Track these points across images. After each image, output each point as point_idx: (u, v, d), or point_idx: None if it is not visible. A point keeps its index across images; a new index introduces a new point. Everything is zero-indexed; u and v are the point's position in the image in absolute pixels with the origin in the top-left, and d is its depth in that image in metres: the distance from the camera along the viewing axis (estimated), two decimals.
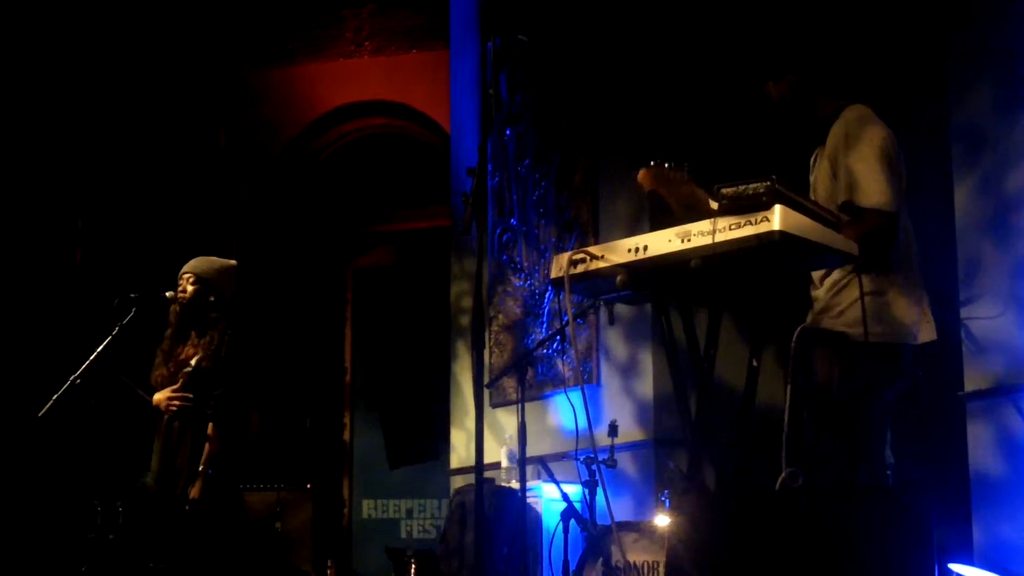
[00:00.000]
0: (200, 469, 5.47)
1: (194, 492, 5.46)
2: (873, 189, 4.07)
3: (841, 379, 4.13)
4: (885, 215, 4.07)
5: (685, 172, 4.32)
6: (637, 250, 3.80)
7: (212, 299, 5.74)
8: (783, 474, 3.73)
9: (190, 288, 5.74)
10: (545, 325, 7.20)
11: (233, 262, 5.98)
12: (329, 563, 8.29)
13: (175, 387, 5.61)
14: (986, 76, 5.35)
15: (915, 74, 6.06)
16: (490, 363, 7.52)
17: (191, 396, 5.56)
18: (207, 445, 5.52)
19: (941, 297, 4.58)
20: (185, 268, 5.82)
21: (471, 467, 7.22)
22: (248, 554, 5.90)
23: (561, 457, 6.38)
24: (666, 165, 4.31)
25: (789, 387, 3.94)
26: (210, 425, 5.54)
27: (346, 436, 10.11)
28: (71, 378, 5.62)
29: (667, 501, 5.40)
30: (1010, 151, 5.21)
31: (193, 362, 5.59)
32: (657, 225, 3.97)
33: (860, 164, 4.11)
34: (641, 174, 4.36)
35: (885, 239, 4.09)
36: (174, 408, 5.59)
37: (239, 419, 5.68)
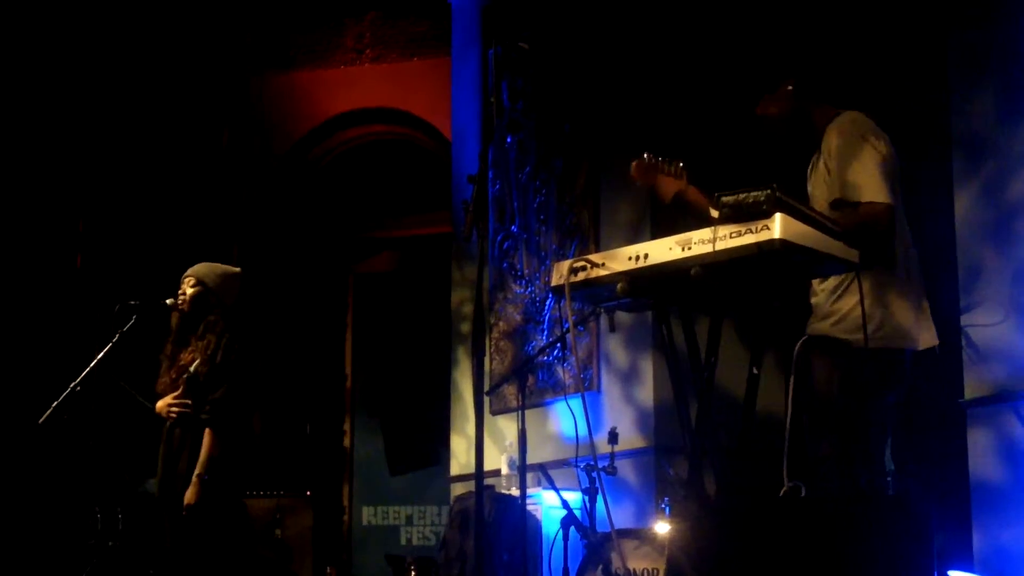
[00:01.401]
0: (196, 474, 5.46)
1: (189, 497, 5.45)
2: (867, 184, 4.07)
3: (841, 385, 4.13)
4: (880, 204, 4.06)
5: (679, 167, 4.32)
6: (638, 258, 3.80)
7: (212, 303, 5.73)
8: (784, 488, 3.73)
9: (190, 291, 5.73)
10: (546, 332, 7.20)
11: (237, 269, 5.98)
12: (329, 570, 8.29)
13: (176, 394, 5.60)
14: (987, 83, 5.36)
15: (916, 81, 6.06)
16: (490, 370, 7.52)
17: (190, 402, 5.56)
18: (203, 450, 5.50)
19: (941, 304, 4.59)
20: (188, 271, 5.83)
21: (471, 474, 7.22)
22: (247, 560, 5.89)
23: (561, 464, 6.38)
24: (659, 159, 4.32)
25: (790, 398, 3.94)
26: (207, 430, 5.53)
27: (346, 442, 10.11)
28: (71, 385, 5.63)
29: (667, 508, 5.41)
30: (1011, 158, 5.21)
31: (192, 368, 5.59)
32: (658, 232, 3.98)
33: (855, 164, 4.11)
34: (633, 166, 4.37)
35: (882, 229, 4.04)
36: (174, 415, 5.59)
37: (240, 424, 5.66)
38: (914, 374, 4.27)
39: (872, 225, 4.00)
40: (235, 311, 5.82)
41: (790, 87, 4.34)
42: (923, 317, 4.24)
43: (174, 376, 5.66)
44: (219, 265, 5.92)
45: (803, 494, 3.75)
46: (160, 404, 5.67)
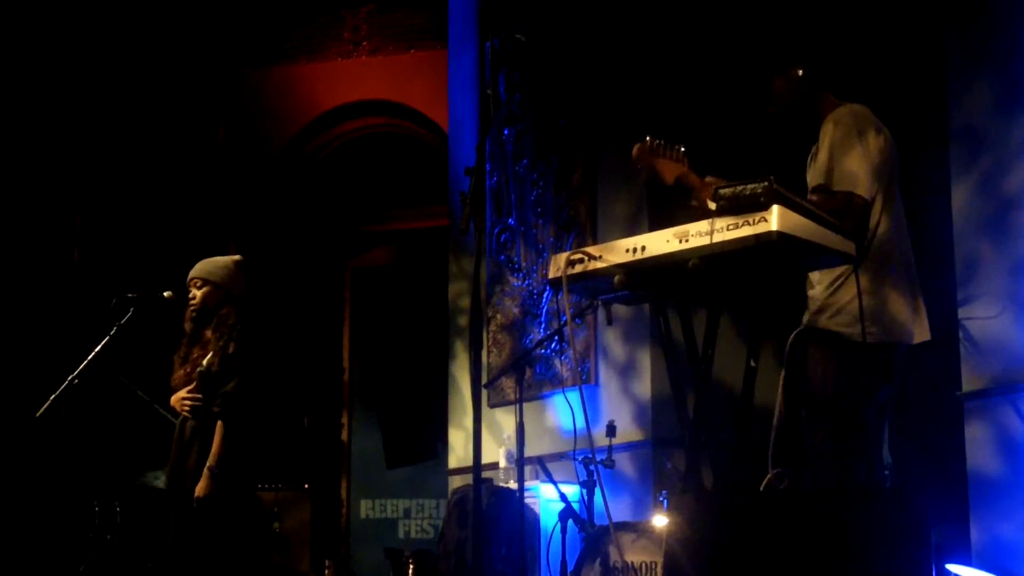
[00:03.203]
0: (207, 467, 5.44)
1: (199, 491, 5.43)
2: (851, 176, 4.08)
3: (837, 379, 4.13)
4: (856, 197, 4.07)
5: (680, 151, 4.33)
6: (635, 250, 3.80)
7: (222, 298, 5.70)
8: (768, 475, 3.74)
9: (199, 293, 5.70)
10: (543, 325, 7.20)
11: (238, 257, 5.93)
12: (327, 563, 8.28)
13: (189, 388, 5.59)
14: (985, 76, 5.36)
15: (914, 74, 6.06)
16: (488, 363, 7.52)
17: (200, 396, 5.54)
18: (215, 444, 5.48)
19: (938, 297, 4.59)
20: (191, 273, 5.77)
21: (469, 467, 7.21)
22: (247, 553, 5.87)
23: (559, 457, 6.38)
24: (661, 143, 4.33)
25: (781, 389, 3.95)
26: (218, 423, 5.50)
27: (344, 436, 10.11)
28: (69, 378, 5.62)
29: (665, 501, 5.41)
30: (1008, 151, 5.21)
31: (204, 362, 5.57)
32: (656, 225, 3.97)
33: (845, 155, 4.12)
34: (636, 149, 4.37)
35: (852, 224, 4.03)
36: (186, 409, 5.59)
37: (251, 417, 5.61)
38: (911, 367, 4.27)
39: (845, 215, 3.99)
40: (246, 300, 5.79)
41: (799, 72, 4.34)
42: (917, 311, 4.24)
43: (188, 370, 5.64)
44: (219, 258, 5.89)
45: (786, 482, 3.76)
46: (174, 399, 5.66)
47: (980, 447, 5.18)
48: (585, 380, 6.77)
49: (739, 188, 3.60)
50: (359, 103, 9.74)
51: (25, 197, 8.85)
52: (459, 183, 8.06)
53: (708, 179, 4.21)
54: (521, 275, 7.49)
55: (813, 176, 4.22)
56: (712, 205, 3.69)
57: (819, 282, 4.23)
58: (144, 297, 5.84)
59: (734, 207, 3.58)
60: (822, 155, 4.18)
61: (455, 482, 7.73)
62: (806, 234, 3.59)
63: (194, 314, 5.71)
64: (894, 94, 5.74)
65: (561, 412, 6.85)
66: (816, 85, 4.34)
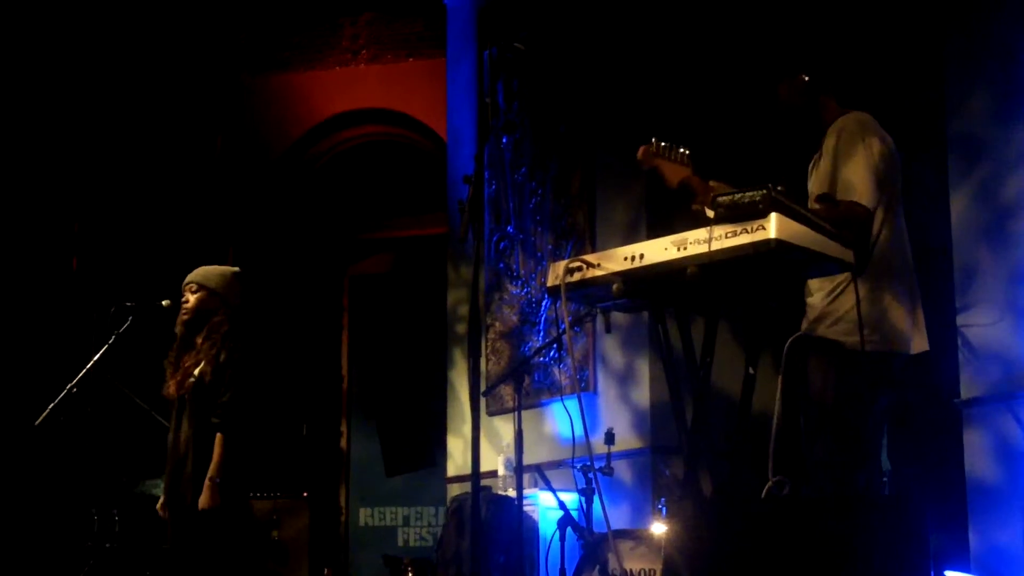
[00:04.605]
0: (209, 478, 5.42)
1: (203, 502, 5.41)
2: (856, 184, 4.08)
3: (837, 387, 4.13)
4: (861, 207, 4.07)
5: (684, 155, 4.34)
6: (633, 258, 3.80)
7: (217, 306, 5.69)
8: (768, 483, 3.74)
9: (192, 298, 5.69)
10: (542, 333, 7.20)
11: (236, 268, 5.93)
12: (326, 571, 8.28)
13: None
14: (984, 85, 5.37)
15: (913, 82, 6.07)
16: (487, 371, 7.51)
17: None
18: (215, 454, 5.47)
19: (937, 304, 4.59)
20: (188, 277, 5.77)
21: (468, 475, 7.20)
22: (249, 562, 5.87)
23: (558, 465, 6.38)
24: (665, 145, 4.34)
25: (779, 396, 3.95)
26: (217, 434, 5.49)
27: (343, 444, 10.11)
28: (68, 386, 5.61)
29: (663, 509, 5.41)
30: (1007, 159, 5.22)
31: (196, 372, 5.55)
32: (654, 233, 3.98)
33: (850, 164, 4.12)
34: (641, 151, 4.38)
35: (856, 232, 4.03)
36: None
37: (248, 426, 5.61)
38: (911, 375, 4.27)
39: (849, 224, 3.99)
40: (241, 311, 5.77)
41: (805, 78, 4.34)
42: (916, 321, 4.24)
43: (179, 379, 5.63)
44: (218, 267, 5.88)
45: (786, 490, 3.76)
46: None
47: (978, 454, 5.18)
48: (584, 388, 6.77)
49: (737, 196, 3.60)
50: (357, 111, 9.76)
51: (24, 204, 8.85)
52: (457, 191, 8.07)
53: (712, 183, 4.21)
54: (520, 283, 7.50)
55: (817, 184, 4.22)
56: (711, 213, 3.69)
57: (818, 290, 4.23)
58: (142, 305, 5.84)
59: (732, 215, 3.59)
60: (826, 163, 4.18)
61: (454, 490, 7.72)
62: (804, 242, 3.59)
63: (186, 318, 5.69)
64: (893, 101, 5.75)
65: (560, 420, 6.85)
66: (820, 91, 4.35)
